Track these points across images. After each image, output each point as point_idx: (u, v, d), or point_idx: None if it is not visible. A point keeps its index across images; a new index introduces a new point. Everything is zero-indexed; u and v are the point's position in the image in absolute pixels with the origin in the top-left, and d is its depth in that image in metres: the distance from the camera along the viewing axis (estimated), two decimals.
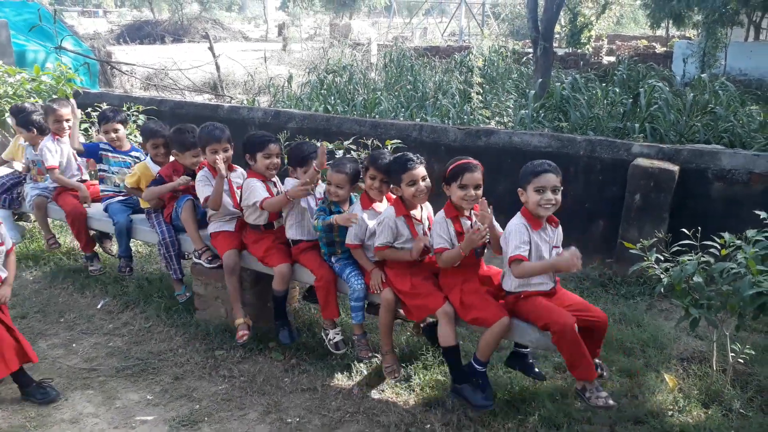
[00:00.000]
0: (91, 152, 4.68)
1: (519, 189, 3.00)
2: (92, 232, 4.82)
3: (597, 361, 3.05)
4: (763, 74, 16.25)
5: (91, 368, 3.57)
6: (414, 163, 3.13)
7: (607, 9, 21.84)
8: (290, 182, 3.61)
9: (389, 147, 4.33)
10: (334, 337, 3.50)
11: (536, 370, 3.25)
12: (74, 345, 3.84)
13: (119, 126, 4.61)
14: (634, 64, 13.37)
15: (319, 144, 3.49)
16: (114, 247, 5.06)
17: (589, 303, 3.04)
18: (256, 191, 3.55)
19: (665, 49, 21.24)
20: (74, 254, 5.22)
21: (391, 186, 3.24)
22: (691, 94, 7.92)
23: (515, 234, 2.93)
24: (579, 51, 20.40)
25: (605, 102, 8.32)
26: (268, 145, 3.60)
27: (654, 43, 23.95)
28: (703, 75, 9.68)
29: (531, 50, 12.74)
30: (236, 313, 3.67)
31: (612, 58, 19.32)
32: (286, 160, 3.92)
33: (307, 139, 4.65)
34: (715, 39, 15.02)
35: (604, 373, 3.13)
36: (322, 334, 3.60)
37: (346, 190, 3.41)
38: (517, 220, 2.98)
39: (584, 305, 2.98)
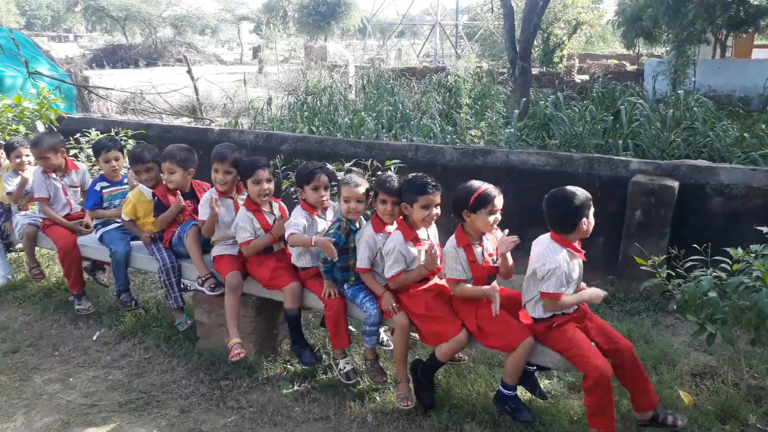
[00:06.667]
0: (96, 203, 4.40)
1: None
2: (85, 264, 4.64)
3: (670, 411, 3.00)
4: (732, 90, 16.80)
5: (92, 403, 3.41)
6: (434, 189, 3.10)
7: (579, 29, 22.40)
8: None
9: (393, 168, 4.31)
10: (345, 367, 3.41)
11: (540, 388, 3.26)
12: (71, 379, 3.67)
13: (119, 154, 4.36)
14: (608, 82, 13.67)
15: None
16: (105, 276, 4.90)
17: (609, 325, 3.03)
18: (244, 230, 3.55)
19: (636, 67, 21.82)
20: (65, 284, 5.03)
21: (401, 204, 3.18)
22: (671, 111, 8.09)
23: (555, 270, 2.83)
24: (552, 70, 20.82)
25: (586, 119, 8.44)
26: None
27: (624, 62, 24.58)
28: (680, 91, 9.91)
29: (505, 70, 12.94)
30: (232, 332, 3.53)
31: (584, 77, 19.72)
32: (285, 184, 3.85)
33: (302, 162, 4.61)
34: (685, 57, 15.51)
35: (679, 422, 2.94)
36: (332, 362, 3.52)
37: (364, 204, 3.37)
38: (557, 251, 2.89)
39: (609, 330, 2.98)
